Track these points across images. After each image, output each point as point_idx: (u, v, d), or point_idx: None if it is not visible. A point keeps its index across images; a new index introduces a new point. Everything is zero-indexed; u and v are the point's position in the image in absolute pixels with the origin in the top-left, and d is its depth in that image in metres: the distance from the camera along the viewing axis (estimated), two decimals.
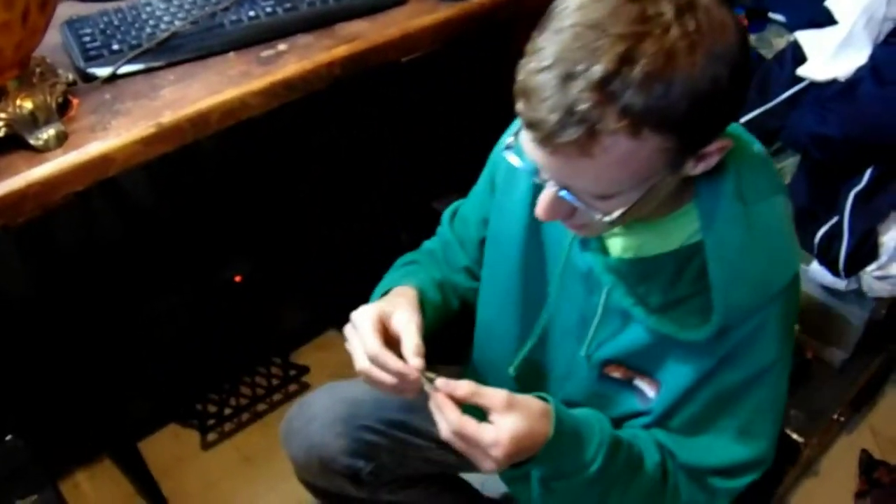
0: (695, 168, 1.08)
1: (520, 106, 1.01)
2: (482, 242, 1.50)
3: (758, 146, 1.22)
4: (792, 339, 1.29)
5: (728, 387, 1.26)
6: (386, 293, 1.41)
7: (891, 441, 2.47)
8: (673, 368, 1.28)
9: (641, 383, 1.34)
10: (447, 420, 1.16)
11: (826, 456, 2.40)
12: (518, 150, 1.17)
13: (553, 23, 0.99)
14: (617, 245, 1.28)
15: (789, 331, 1.27)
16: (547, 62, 0.96)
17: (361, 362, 1.24)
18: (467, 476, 1.88)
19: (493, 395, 1.17)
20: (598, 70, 0.93)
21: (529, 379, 1.48)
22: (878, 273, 2.05)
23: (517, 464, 1.21)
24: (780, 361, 1.27)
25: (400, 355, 1.23)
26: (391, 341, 1.26)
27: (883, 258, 2.03)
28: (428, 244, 1.63)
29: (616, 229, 1.25)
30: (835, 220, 2.03)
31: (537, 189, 1.32)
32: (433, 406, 1.19)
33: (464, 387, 1.18)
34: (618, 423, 1.37)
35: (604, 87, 0.94)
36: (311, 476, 1.66)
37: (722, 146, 1.07)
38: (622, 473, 1.27)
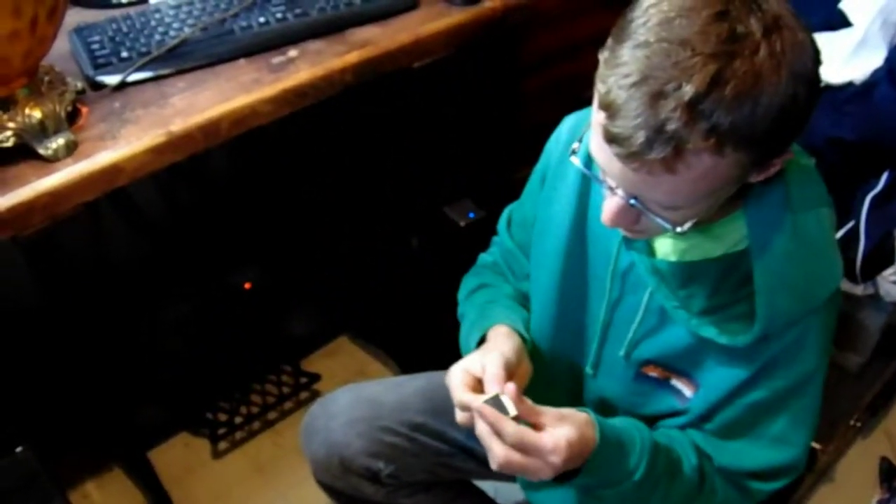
0: (756, 178, 1.10)
1: (601, 119, 1.01)
2: None
3: (807, 158, 1.22)
4: (830, 350, 1.29)
5: (767, 395, 1.27)
6: (481, 339, 1.42)
7: None
8: (712, 372, 1.29)
9: (678, 383, 1.34)
10: (505, 433, 1.16)
11: (841, 462, 2.38)
12: (583, 155, 1.19)
13: (634, 35, 0.99)
14: (663, 247, 1.28)
15: (829, 343, 1.28)
16: (634, 78, 0.96)
17: (459, 417, 1.26)
18: (480, 484, 1.87)
19: (547, 411, 1.19)
20: (689, 90, 0.93)
21: (566, 373, 1.48)
22: (894, 277, 2.04)
23: (565, 477, 1.22)
24: (818, 372, 1.27)
25: None
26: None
27: None
28: (486, 257, 1.64)
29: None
30: (851, 224, 2.02)
31: (585, 185, 1.34)
32: (481, 432, 1.19)
33: (528, 403, 1.20)
34: (653, 420, 1.38)
35: (694, 107, 0.94)
36: (330, 476, 1.64)
37: (786, 157, 1.08)
38: (663, 478, 1.28)
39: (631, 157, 0.99)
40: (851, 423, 2.25)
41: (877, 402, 2.45)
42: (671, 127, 0.95)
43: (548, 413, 1.19)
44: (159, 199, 2.25)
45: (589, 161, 1.17)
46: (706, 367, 1.29)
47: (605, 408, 1.44)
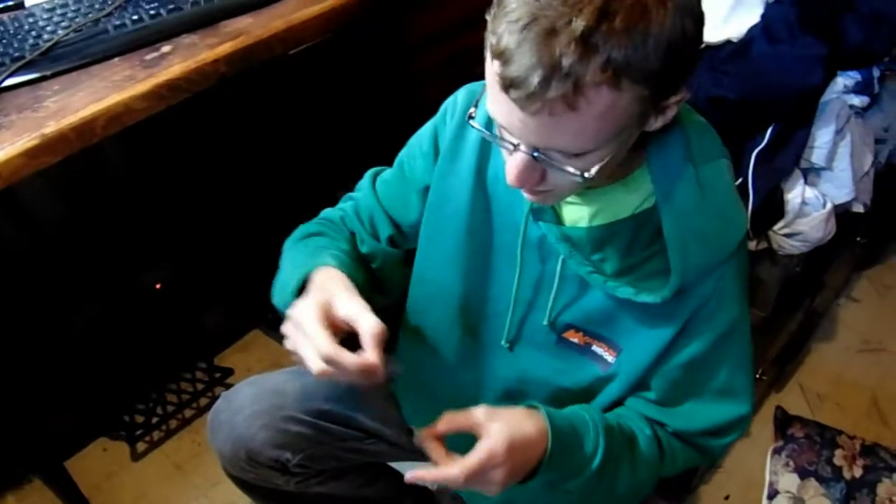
0: (655, 123, 1.11)
1: (497, 68, 1.01)
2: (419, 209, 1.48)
3: (698, 116, 1.25)
4: (747, 296, 1.33)
5: (699, 351, 1.29)
6: (304, 277, 1.33)
7: (819, 396, 2.51)
8: (635, 335, 1.30)
9: (599, 349, 1.35)
10: (448, 477, 1.16)
11: (756, 416, 2.42)
12: (481, 118, 1.19)
13: None
14: (571, 214, 1.29)
15: (745, 288, 1.31)
16: (524, 21, 0.96)
17: (316, 365, 1.18)
18: (396, 465, 1.88)
19: (472, 413, 1.20)
20: (579, 24, 0.94)
21: (470, 350, 1.48)
22: (785, 231, 2.07)
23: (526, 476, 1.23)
24: (743, 318, 1.32)
25: (351, 343, 1.19)
26: (338, 330, 1.21)
27: (789, 216, 2.05)
28: (331, 212, 1.58)
29: (570, 198, 1.26)
30: (739, 180, 2.05)
31: (483, 156, 1.34)
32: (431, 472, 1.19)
33: (442, 423, 1.21)
34: (578, 395, 1.39)
35: (587, 41, 0.94)
36: (239, 470, 1.63)
37: (680, 98, 1.09)
38: (624, 455, 1.29)
39: (531, 98, 0.98)
40: (757, 376, 2.28)
41: (785, 356, 2.50)
42: (566, 62, 0.95)
43: (475, 412, 1.20)
44: (61, 203, 2.23)
45: (489, 125, 1.17)
46: (627, 331, 1.31)
47: (523, 383, 1.45)
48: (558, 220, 1.30)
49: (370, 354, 1.17)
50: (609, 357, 1.35)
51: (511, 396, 1.47)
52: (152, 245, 2.44)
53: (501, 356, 1.46)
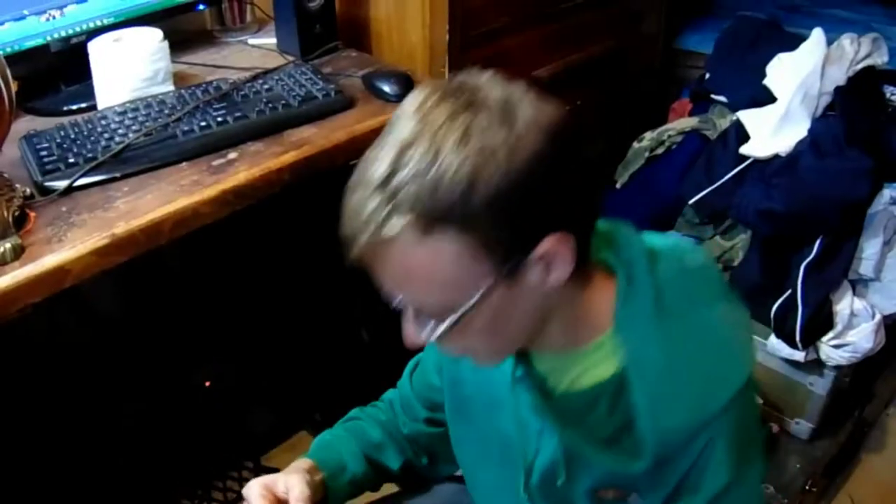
0: (547, 278, 1.01)
1: None
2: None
3: (699, 255, 1.21)
4: (753, 450, 1.17)
5: None
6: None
7: None
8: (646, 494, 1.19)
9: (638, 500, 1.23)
10: None
11: None
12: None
13: None
14: (554, 378, 1.20)
15: (745, 445, 1.14)
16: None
17: None
18: None
19: None
20: (376, 171, 0.94)
21: None
22: (834, 342, 2.08)
23: None
24: (734, 484, 1.13)
25: None
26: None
27: (838, 326, 2.07)
28: (389, 393, 1.60)
29: (549, 360, 1.19)
30: (788, 292, 2.06)
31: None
32: None
33: None
34: None
35: (384, 187, 0.93)
36: None
37: (560, 241, 0.99)
38: None
39: (352, 252, 1.01)
40: (807, 488, 2.27)
41: (835, 467, 2.48)
42: (367, 209, 0.97)
43: None
44: (118, 300, 2.27)
45: None
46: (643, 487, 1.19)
47: None
48: (542, 385, 1.20)
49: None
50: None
51: None
52: (203, 343, 2.48)
53: None
